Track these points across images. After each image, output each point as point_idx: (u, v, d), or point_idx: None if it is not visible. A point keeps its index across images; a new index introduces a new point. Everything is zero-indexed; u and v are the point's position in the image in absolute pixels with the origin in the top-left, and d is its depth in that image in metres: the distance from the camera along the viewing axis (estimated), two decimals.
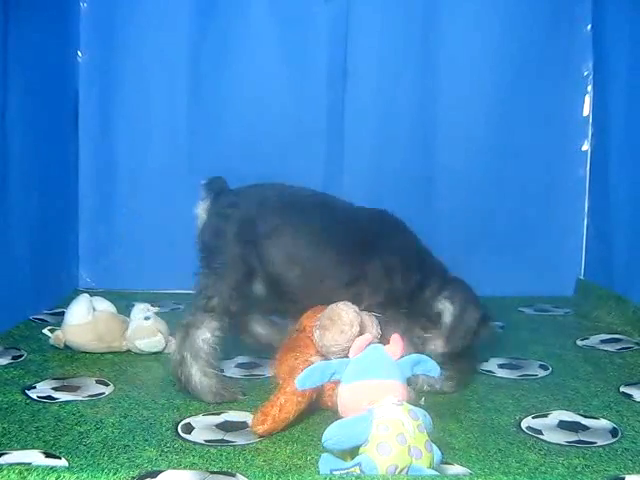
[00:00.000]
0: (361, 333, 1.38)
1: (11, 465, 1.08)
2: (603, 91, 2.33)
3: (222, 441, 1.29)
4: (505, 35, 2.40)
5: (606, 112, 2.28)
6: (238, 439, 1.30)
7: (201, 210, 1.64)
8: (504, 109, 2.42)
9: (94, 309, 1.80)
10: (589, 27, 2.38)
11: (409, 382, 1.22)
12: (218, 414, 1.42)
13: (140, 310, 1.82)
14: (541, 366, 1.74)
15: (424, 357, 1.24)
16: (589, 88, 2.41)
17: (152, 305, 1.86)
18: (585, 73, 2.41)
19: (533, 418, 1.42)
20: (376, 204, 2.41)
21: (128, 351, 1.80)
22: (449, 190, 2.45)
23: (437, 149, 2.44)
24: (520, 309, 2.31)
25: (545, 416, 1.43)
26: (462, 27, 2.40)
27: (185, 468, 1.16)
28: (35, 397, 1.49)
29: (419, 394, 1.39)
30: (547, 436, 1.33)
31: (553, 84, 2.43)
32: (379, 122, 2.43)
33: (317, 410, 1.39)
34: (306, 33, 2.40)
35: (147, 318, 1.80)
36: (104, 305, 1.83)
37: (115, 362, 1.74)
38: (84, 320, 1.77)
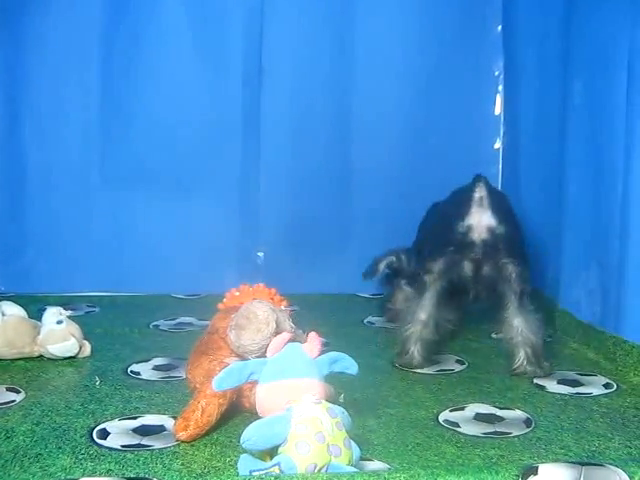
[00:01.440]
0: (277, 330, 1.38)
1: None
2: (513, 90, 2.39)
3: (139, 446, 1.26)
4: (418, 35, 2.42)
5: (517, 110, 2.34)
6: (156, 443, 1.27)
7: None
8: (419, 108, 2.45)
9: (3, 314, 1.74)
10: (499, 27, 2.44)
11: None
12: (135, 418, 1.39)
13: (52, 314, 1.77)
14: (457, 361, 1.77)
15: (342, 355, 1.24)
16: (500, 87, 2.47)
17: (64, 309, 1.81)
18: (496, 73, 2.46)
19: (450, 411, 1.44)
20: (293, 203, 2.44)
21: (40, 356, 1.74)
22: (367, 189, 2.47)
23: (354, 147, 2.45)
24: None
25: (462, 409, 1.45)
26: (377, 25, 2.41)
27: (101, 475, 1.13)
28: None
29: (338, 392, 1.39)
30: (464, 428, 1.35)
31: (466, 83, 2.47)
32: (296, 120, 2.43)
33: (236, 411, 1.38)
34: (220, 28, 2.37)
35: (59, 322, 1.74)
36: (13, 309, 1.77)
37: (27, 368, 1.68)
38: None
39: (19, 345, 1.72)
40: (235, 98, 2.39)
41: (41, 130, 2.38)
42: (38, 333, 1.74)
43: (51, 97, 2.37)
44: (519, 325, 1.65)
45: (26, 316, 1.78)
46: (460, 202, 1.69)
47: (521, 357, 1.64)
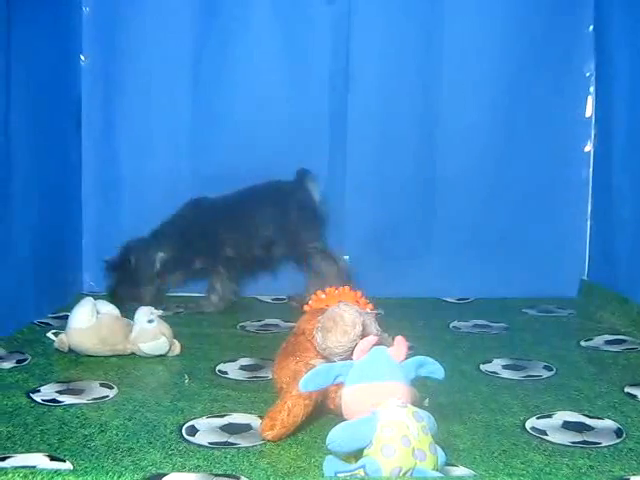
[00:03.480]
0: (363, 333, 1.38)
1: (16, 468, 1.08)
2: (606, 92, 2.32)
3: (226, 443, 1.29)
4: (507, 36, 2.40)
5: (609, 113, 2.28)
6: (242, 441, 1.30)
7: None
8: (506, 110, 2.43)
9: (98, 312, 1.80)
10: (591, 28, 2.38)
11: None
12: (222, 416, 1.42)
13: (143, 313, 1.82)
14: (545, 367, 1.74)
15: (428, 359, 1.24)
16: (591, 89, 2.41)
17: (155, 308, 1.86)
18: (587, 74, 2.41)
19: (537, 419, 1.41)
20: (378, 207, 2.44)
21: (132, 354, 1.80)
22: (452, 192, 2.46)
23: (440, 150, 2.44)
24: (524, 310, 2.30)
25: (549, 416, 1.42)
26: (464, 29, 2.40)
27: (189, 471, 1.16)
28: (39, 400, 1.49)
29: (423, 396, 1.39)
30: (552, 437, 1.32)
31: (555, 85, 2.42)
32: (382, 124, 2.44)
33: (321, 413, 1.39)
34: (308, 34, 2.41)
35: (150, 321, 1.80)
36: (108, 308, 1.84)
37: (119, 365, 1.74)
38: (88, 324, 1.77)
39: (112, 342, 1.78)
40: (322, 103, 2.42)
41: (134, 137, 2.47)
42: (130, 331, 1.80)
43: (142, 104, 2.46)
44: None
45: (119, 315, 1.84)
46: None
47: None
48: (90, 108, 2.45)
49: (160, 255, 2.26)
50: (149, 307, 1.85)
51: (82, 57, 2.43)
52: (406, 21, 2.41)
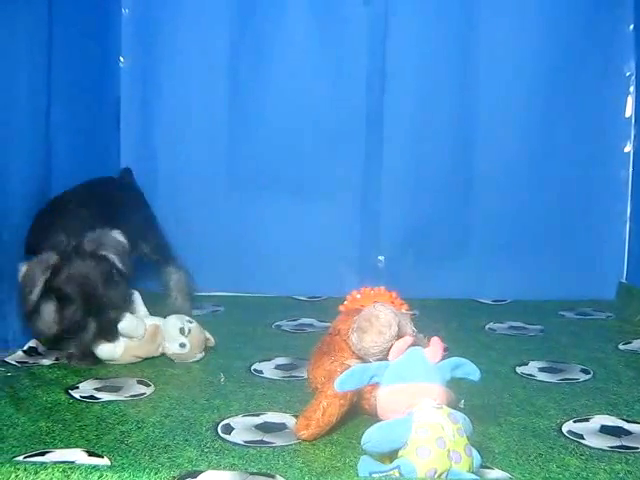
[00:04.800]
0: (399, 334, 1.38)
1: (55, 463, 1.11)
2: None
3: (261, 442, 1.30)
4: (545, 36, 2.37)
5: None
6: (277, 440, 1.30)
7: None
8: (544, 110, 2.40)
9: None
10: (631, 27, 2.35)
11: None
12: (257, 415, 1.43)
13: (174, 327, 1.79)
14: (582, 370, 1.72)
15: (464, 360, 1.23)
16: (631, 89, 2.38)
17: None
18: (627, 73, 2.37)
19: (574, 422, 1.40)
20: (414, 207, 2.44)
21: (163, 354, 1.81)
22: (488, 192, 2.44)
23: (476, 151, 2.43)
24: (561, 313, 2.28)
25: (587, 420, 1.41)
26: (501, 28, 2.38)
27: (225, 469, 1.17)
28: (78, 397, 1.51)
29: (458, 397, 1.38)
30: (589, 441, 1.31)
31: (595, 85, 2.39)
32: (418, 123, 2.43)
33: (355, 413, 1.39)
34: (345, 35, 2.41)
35: (182, 345, 1.78)
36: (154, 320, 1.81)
37: (156, 364, 1.76)
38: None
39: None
40: (359, 102, 2.42)
41: (172, 138, 2.50)
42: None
43: (180, 106, 2.48)
44: None
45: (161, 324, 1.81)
46: None
47: None
48: (129, 109, 2.48)
49: None
50: (181, 318, 1.83)
51: (121, 59, 2.46)
52: (442, 21, 2.40)
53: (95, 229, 1.73)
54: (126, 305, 1.73)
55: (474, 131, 2.42)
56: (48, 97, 1.90)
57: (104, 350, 1.72)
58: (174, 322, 1.79)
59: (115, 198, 2.03)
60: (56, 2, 1.90)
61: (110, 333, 1.69)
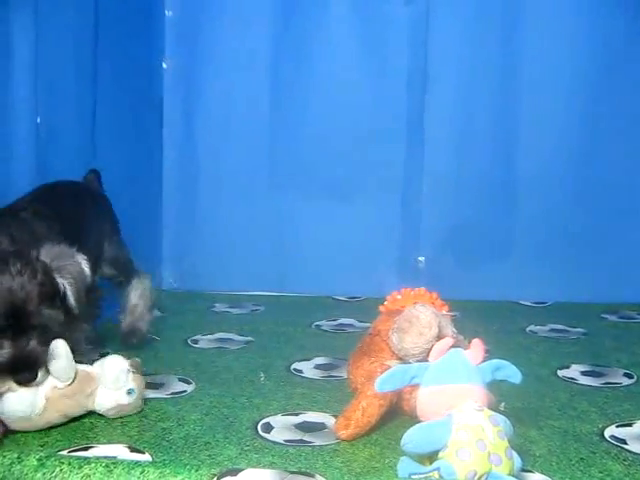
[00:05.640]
0: (439, 335, 1.38)
1: (98, 458, 1.13)
2: None
3: (301, 441, 1.30)
4: (588, 36, 2.34)
5: None
6: (317, 440, 1.31)
7: None
8: (588, 110, 2.37)
9: None
10: None
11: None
12: (297, 414, 1.43)
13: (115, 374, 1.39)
14: (626, 374, 1.70)
15: (505, 362, 1.22)
16: None
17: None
18: None
19: (617, 427, 1.38)
20: (455, 208, 2.42)
21: (210, 348, 1.82)
22: (531, 193, 2.42)
23: (518, 152, 2.41)
24: (603, 316, 2.25)
25: (630, 425, 1.39)
26: (544, 27, 2.36)
27: (265, 467, 1.17)
28: None
29: (499, 400, 1.38)
30: (632, 446, 1.29)
31: (637, 87, 2.36)
32: (459, 125, 2.42)
33: (395, 414, 1.39)
34: (386, 35, 2.40)
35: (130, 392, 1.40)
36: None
37: (197, 362, 1.77)
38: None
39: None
40: (400, 103, 2.41)
41: (214, 138, 2.52)
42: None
43: (222, 106, 2.50)
44: None
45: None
46: None
47: None
48: (171, 110, 2.51)
49: None
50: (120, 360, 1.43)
51: (164, 60, 2.49)
52: (484, 21, 2.38)
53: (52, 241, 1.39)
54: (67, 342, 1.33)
55: (516, 132, 2.40)
56: (94, 98, 1.93)
57: (21, 401, 1.26)
58: (116, 363, 1.40)
59: (77, 209, 1.72)
60: (102, 5, 1.94)
61: (32, 365, 1.26)
